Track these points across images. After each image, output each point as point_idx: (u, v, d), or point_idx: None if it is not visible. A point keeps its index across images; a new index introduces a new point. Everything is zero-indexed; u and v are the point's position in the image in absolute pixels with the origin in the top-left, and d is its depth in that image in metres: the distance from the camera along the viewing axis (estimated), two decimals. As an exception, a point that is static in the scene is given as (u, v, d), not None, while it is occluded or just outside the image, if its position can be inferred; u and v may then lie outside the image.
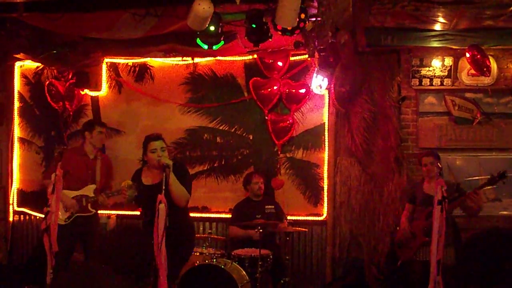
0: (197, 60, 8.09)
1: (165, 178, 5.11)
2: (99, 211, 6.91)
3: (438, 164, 5.72)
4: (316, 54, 6.90)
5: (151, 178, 5.55)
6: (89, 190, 6.68)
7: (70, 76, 8.23)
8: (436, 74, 7.39)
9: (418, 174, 7.45)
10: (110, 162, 7.28)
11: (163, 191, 4.84)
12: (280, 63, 7.82)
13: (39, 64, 8.31)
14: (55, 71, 8.40)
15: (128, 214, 8.18)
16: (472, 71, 7.12)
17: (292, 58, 7.83)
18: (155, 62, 8.26)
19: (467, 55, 6.84)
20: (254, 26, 5.82)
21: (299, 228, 7.22)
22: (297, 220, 7.69)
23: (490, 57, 7.01)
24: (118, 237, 2.79)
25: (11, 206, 8.63)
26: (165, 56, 7.95)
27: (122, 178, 7.52)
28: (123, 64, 8.40)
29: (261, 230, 6.51)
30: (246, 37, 5.99)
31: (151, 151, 5.43)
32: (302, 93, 7.79)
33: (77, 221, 6.52)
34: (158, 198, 4.71)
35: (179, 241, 5.27)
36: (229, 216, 7.58)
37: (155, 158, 5.37)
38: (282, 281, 6.82)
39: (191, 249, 5.96)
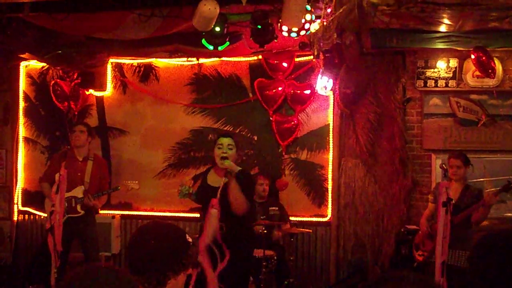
0: (202, 60, 8.10)
1: (225, 183, 4.90)
2: (103, 211, 6.94)
3: (443, 166, 5.70)
4: (321, 55, 6.89)
5: (216, 180, 5.34)
6: (78, 191, 6.78)
7: (75, 76, 8.24)
8: (441, 76, 7.39)
9: (422, 175, 7.46)
10: (104, 163, 7.32)
11: (219, 196, 4.70)
12: (285, 64, 7.82)
13: (44, 64, 8.32)
14: (60, 71, 8.41)
15: (132, 214, 8.20)
16: (477, 73, 7.13)
17: (297, 59, 7.84)
18: (160, 62, 8.27)
19: (472, 56, 6.84)
20: (259, 27, 5.82)
21: (304, 229, 7.22)
22: (301, 221, 7.69)
23: (495, 58, 7.01)
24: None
25: (15, 206, 8.64)
26: (170, 57, 7.95)
27: (126, 178, 7.61)
28: (128, 64, 8.41)
29: (266, 231, 6.51)
30: (251, 38, 6.00)
31: (218, 146, 5.30)
32: (307, 94, 7.79)
33: (69, 222, 6.56)
34: (211, 202, 4.61)
35: (233, 249, 5.15)
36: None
37: (220, 154, 5.22)
38: (286, 282, 6.82)
39: (247, 257, 5.52)
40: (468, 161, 6.38)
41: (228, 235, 4.87)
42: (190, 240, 2.74)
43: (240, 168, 5.25)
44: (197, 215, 7.61)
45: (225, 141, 5.30)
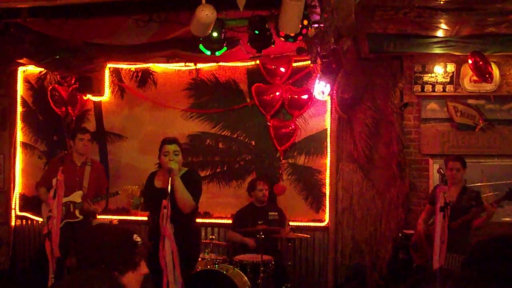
0: (199, 65, 8.10)
1: (170, 182, 5.11)
2: (101, 216, 6.92)
3: (441, 170, 5.70)
4: (319, 60, 6.89)
5: (162, 182, 5.52)
6: (76, 196, 6.78)
7: (73, 81, 8.25)
8: (438, 81, 7.40)
9: (420, 180, 7.47)
10: (102, 169, 7.32)
11: (168, 196, 4.84)
12: (282, 69, 7.83)
13: (42, 69, 8.33)
14: (58, 76, 8.42)
15: (130, 219, 8.19)
16: (475, 78, 7.14)
17: (294, 64, 7.84)
18: (158, 67, 8.28)
19: (470, 61, 6.85)
20: (257, 32, 5.82)
21: (301, 234, 7.21)
22: (299, 226, 7.68)
23: (492, 63, 7.02)
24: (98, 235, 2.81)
25: (13, 211, 8.64)
26: (167, 62, 7.96)
27: (124, 183, 7.60)
28: (126, 69, 8.41)
29: (263, 236, 6.51)
30: (248, 43, 6.00)
31: (164, 154, 5.45)
32: (304, 99, 7.80)
33: (67, 227, 6.56)
34: (162, 203, 4.72)
35: (182, 247, 5.26)
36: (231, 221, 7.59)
37: (167, 161, 5.37)
38: (284, 287, 6.81)
39: (195, 256, 5.94)
40: (465, 164, 6.42)
41: (175, 233, 5.09)
42: (139, 239, 2.76)
43: (186, 169, 5.53)
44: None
45: (171, 147, 5.48)
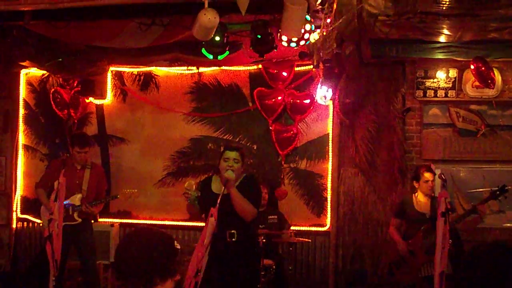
0: (202, 69, 8.11)
1: (222, 192, 4.87)
2: (102, 219, 6.92)
3: (442, 176, 5.69)
4: (321, 65, 6.90)
5: (218, 187, 5.28)
6: (75, 199, 6.77)
7: (75, 84, 8.26)
8: (440, 86, 7.40)
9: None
10: (102, 171, 7.31)
11: (218, 205, 4.69)
12: (284, 74, 7.83)
13: (44, 72, 8.34)
14: (60, 79, 8.43)
15: (131, 223, 8.19)
16: (477, 83, 7.13)
17: (296, 69, 7.85)
18: (160, 71, 8.29)
19: (472, 67, 6.85)
20: (259, 36, 5.84)
21: (303, 239, 7.20)
22: (300, 230, 7.67)
23: (494, 69, 7.02)
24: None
25: (14, 213, 8.64)
26: (170, 65, 7.97)
27: (126, 186, 7.60)
28: (128, 72, 8.42)
29: (264, 240, 6.50)
30: (251, 48, 6.01)
31: (224, 159, 5.21)
32: (306, 103, 7.80)
33: (66, 229, 6.55)
34: (210, 211, 4.61)
35: (240, 252, 5.20)
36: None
37: (225, 167, 5.15)
38: (284, 292, 6.81)
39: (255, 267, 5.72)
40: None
41: (236, 243, 5.04)
42: (179, 246, 2.74)
43: (245, 175, 5.32)
44: (197, 223, 7.63)
45: (232, 155, 5.23)
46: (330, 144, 7.81)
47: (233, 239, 5.10)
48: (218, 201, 4.56)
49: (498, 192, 6.11)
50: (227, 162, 5.18)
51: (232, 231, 5.11)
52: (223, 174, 5.09)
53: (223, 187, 4.93)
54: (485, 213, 6.25)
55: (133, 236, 2.78)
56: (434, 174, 6.28)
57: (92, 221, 7.10)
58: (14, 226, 8.64)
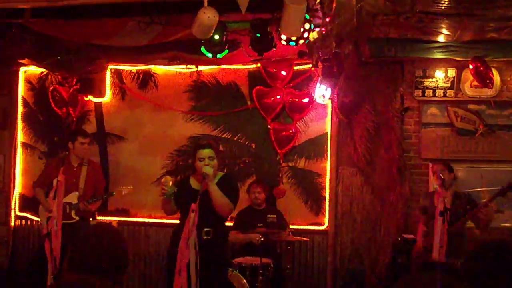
0: (201, 68, 8.10)
1: (202, 187, 5.04)
2: (100, 217, 6.92)
3: (441, 175, 5.70)
4: (320, 64, 6.91)
5: (197, 184, 5.39)
6: (72, 197, 6.79)
7: (74, 82, 8.25)
8: (439, 85, 7.41)
9: (420, 184, 7.47)
10: (99, 168, 7.33)
11: (198, 200, 4.73)
12: (283, 72, 7.84)
13: (43, 69, 8.33)
14: (59, 77, 8.42)
15: (129, 221, 8.19)
16: (475, 83, 7.14)
17: (295, 68, 7.85)
18: (159, 69, 8.28)
19: (470, 66, 6.86)
20: (258, 35, 5.85)
21: (301, 238, 7.21)
22: (298, 229, 7.67)
23: (493, 69, 7.03)
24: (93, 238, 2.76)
25: (12, 211, 8.63)
26: (169, 64, 7.96)
27: (124, 184, 7.59)
28: (127, 71, 8.42)
29: (262, 239, 6.51)
30: (250, 46, 6.02)
31: (199, 160, 5.26)
32: (305, 102, 7.81)
33: (63, 228, 6.55)
34: (191, 206, 4.64)
35: (214, 250, 5.23)
36: (230, 224, 7.57)
37: (202, 166, 5.18)
38: (282, 290, 6.82)
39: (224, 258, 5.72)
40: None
41: (211, 241, 5.12)
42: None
43: (222, 173, 5.42)
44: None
45: (205, 153, 5.27)
46: (329, 143, 7.81)
47: (208, 237, 5.15)
48: (199, 196, 4.64)
49: (506, 189, 6.08)
50: (203, 162, 5.23)
51: (208, 229, 5.17)
52: (201, 171, 5.14)
53: (202, 184, 5.03)
54: (492, 213, 6.26)
55: (100, 230, 2.78)
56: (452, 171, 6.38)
57: (91, 219, 7.10)
58: (12, 223, 8.63)
